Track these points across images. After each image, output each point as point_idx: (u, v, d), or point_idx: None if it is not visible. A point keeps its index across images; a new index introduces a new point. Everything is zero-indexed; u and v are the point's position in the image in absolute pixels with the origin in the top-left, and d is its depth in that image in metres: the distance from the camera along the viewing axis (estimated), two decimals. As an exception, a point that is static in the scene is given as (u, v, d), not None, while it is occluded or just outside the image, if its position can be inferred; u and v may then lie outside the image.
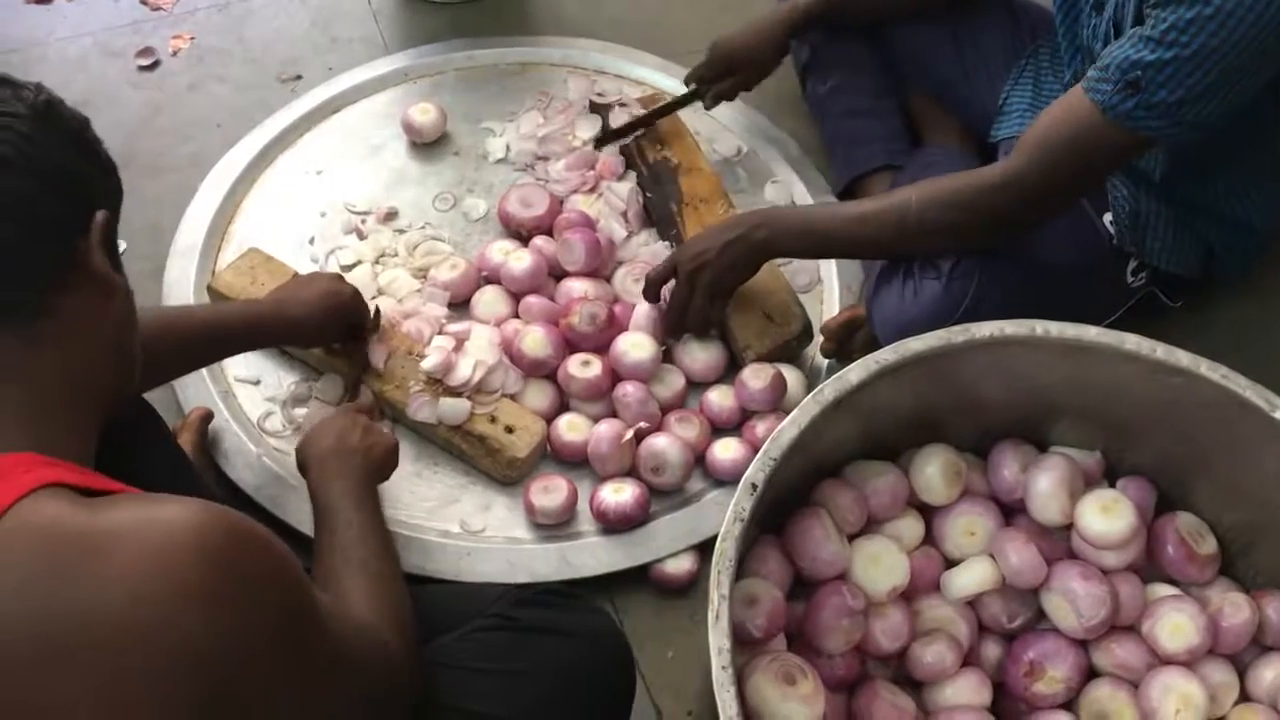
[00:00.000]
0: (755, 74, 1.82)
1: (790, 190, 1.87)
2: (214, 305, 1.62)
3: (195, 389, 1.57)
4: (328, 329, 1.48)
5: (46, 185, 0.80)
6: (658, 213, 1.78)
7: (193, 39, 2.08)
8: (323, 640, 0.82)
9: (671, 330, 1.61)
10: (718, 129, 1.94)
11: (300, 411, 1.57)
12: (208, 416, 1.55)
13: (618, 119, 1.86)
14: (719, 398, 1.59)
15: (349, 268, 1.72)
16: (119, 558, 0.69)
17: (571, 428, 1.55)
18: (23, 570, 0.70)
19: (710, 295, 1.54)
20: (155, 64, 2.05)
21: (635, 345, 1.58)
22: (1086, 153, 1.33)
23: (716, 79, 1.81)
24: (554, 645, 1.11)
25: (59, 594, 0.69)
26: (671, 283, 1.57)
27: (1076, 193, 1.42)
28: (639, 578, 1.49)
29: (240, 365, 1.61)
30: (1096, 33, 1.43)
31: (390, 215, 1.80)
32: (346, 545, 1.10)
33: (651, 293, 1.60)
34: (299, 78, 2.03)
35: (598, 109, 1.91)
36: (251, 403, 1.59)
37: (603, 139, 1.85)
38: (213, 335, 1.35)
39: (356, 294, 1.50)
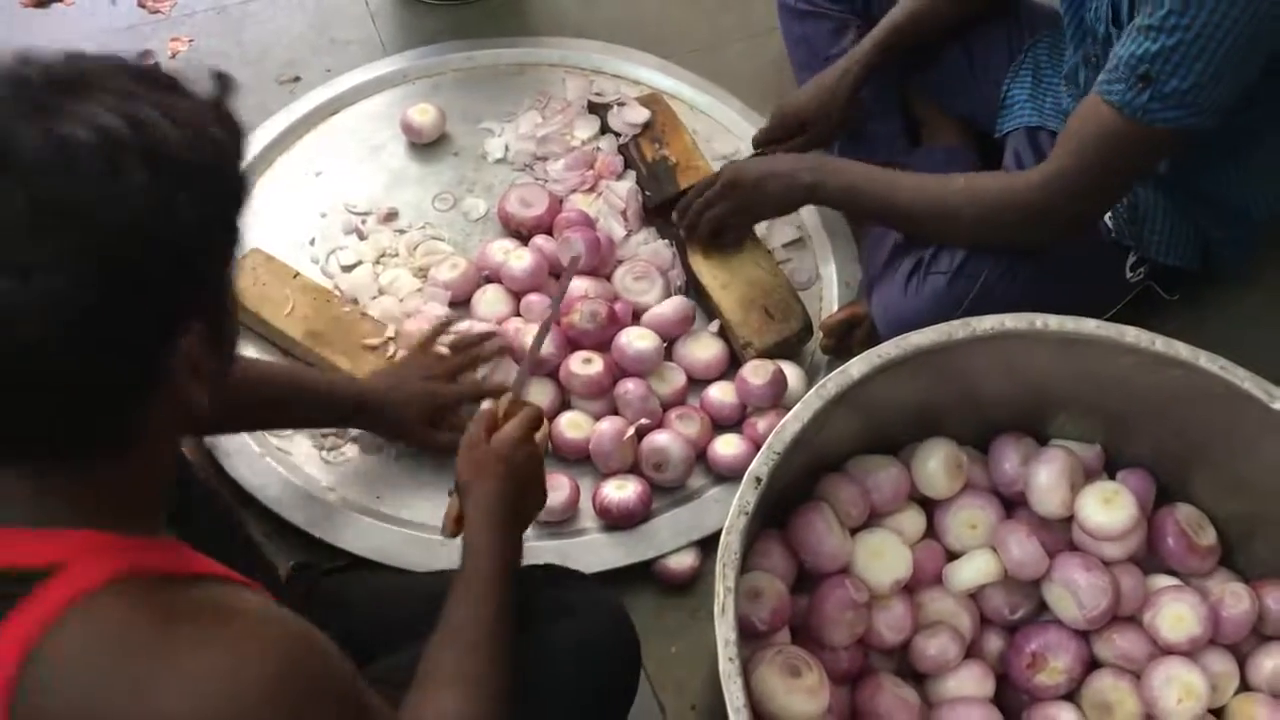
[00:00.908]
0: (826, 130, 1.77)
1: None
2: (327, 375, 1.56)
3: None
4: (416, 424, 1.46)
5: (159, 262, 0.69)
6: (656, 211, 1.78)
7: (191, 42, 2.08)
8: None
9: (680, 214, 1.67)
10: (716, 129, 1.95)
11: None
12: None
13: (615, 120, 1.87)
14: (720, 394, 1.60)
15: (350, 268, 1.72)
16: (188, 675, 0.68)
17: (573, 425, 1.56)
18: (86, 677, 0.68)
19: (735, 210, 1.60)
20: (154, 68, 2.04)
21: (639, 336, 1.59)
22: (1114, 155, 1.34)
23: (786, 139, 1.78)
24: (560, 624, 1.11)
25: (128, 704, 0.68)
26: None
27: (1112, 196, 1.45)
28: (642, 574, 1.50)
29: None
30: (1099, 13, 1.44)
31: (390, 216, 1.80)
32: (461, 650, 0.98)
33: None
34: (297, 79, 2.03)
35: (596, 109, 1.91)
36: (254, 403, 1.59)
37: (661, 205, 1.77)
38: (330, 401, 1.37)
39: (458, 395, 1.48)
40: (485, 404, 1.23)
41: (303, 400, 1.36)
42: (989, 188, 1.45)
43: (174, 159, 0.69)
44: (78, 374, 0.69)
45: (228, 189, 0.75)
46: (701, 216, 1.63)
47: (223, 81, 0.76)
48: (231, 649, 0.70)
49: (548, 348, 1.57)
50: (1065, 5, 1.55)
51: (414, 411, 1.44)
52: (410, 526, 1.49)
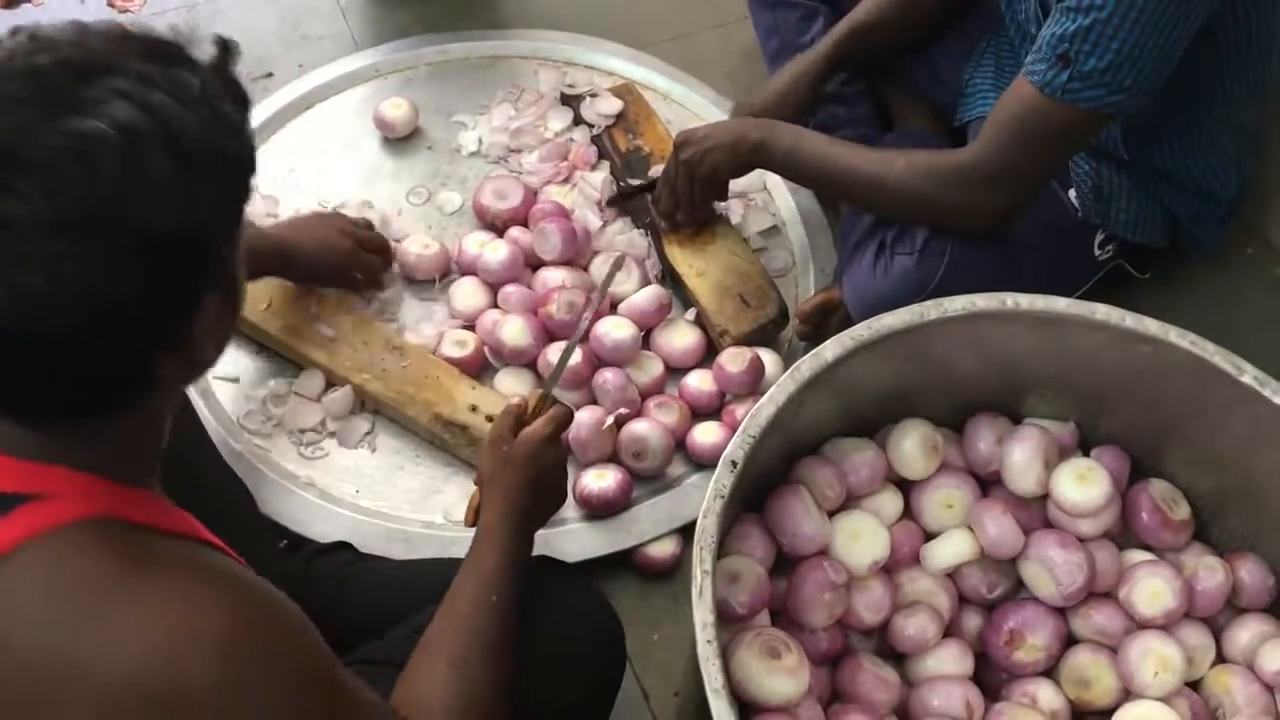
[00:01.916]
0: None
1: (764, 178, 1.88)
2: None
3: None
4: (328, 271, 1.57)
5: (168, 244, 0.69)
6: (629, 202, 1.78)
7: (162, 40, 2.07)
8: None
9: (664, 214, 1.68)
10: (689, 118, 1.95)
11: (279, 408, 1.57)
12: None
13: (588, 111, 1.87)
14: (698, 382, 1.61)
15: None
16: (149, 620, 0.69)
17: (552, 416, 1.56)
18: (47, 602, 0.69)
19: (699, 183, 1.60)
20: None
21: (616, 325, 1.59)
22: (1037, 136, 1.36)
23: None
24: (545, 615, 1.11)
25: (74, 637, 0.68)
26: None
27: (1040, 177, 1.44)
28: (623, 562, 1.51)
29: (220, 362, 1.61)
30: (1028, 14, 1.46)
31: (365, 210, 1.79)
32: (463, 634, 1.00)
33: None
34: (270, 76, 2.02)
35: (569, 100, 1.91)
36: (231, 400, 1.59)
37: (615, 199, 1.78)
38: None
39: (366, 245, 1.60)
40: (514, 399, 1.23)
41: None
42: (923, 164, 1.46)
43: (194, 146, 0.69)
44: (104, 353, 0.70)
45: (242, 163, 0.75)
46: (678, 201, 1.64)
47: (226, 47, 0.76)
48: (188, 602, 0.70)
49: (526, 338, 1.58)
50: (1004, 8, 1.57)
51: (324, 257, 1.54)
52: (389, 520, 1.50)
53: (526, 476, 1.12)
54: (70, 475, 0.74)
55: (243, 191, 0.76)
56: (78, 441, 0.75)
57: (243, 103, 0.76)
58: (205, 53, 0.75)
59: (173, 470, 0.85)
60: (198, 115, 0.70)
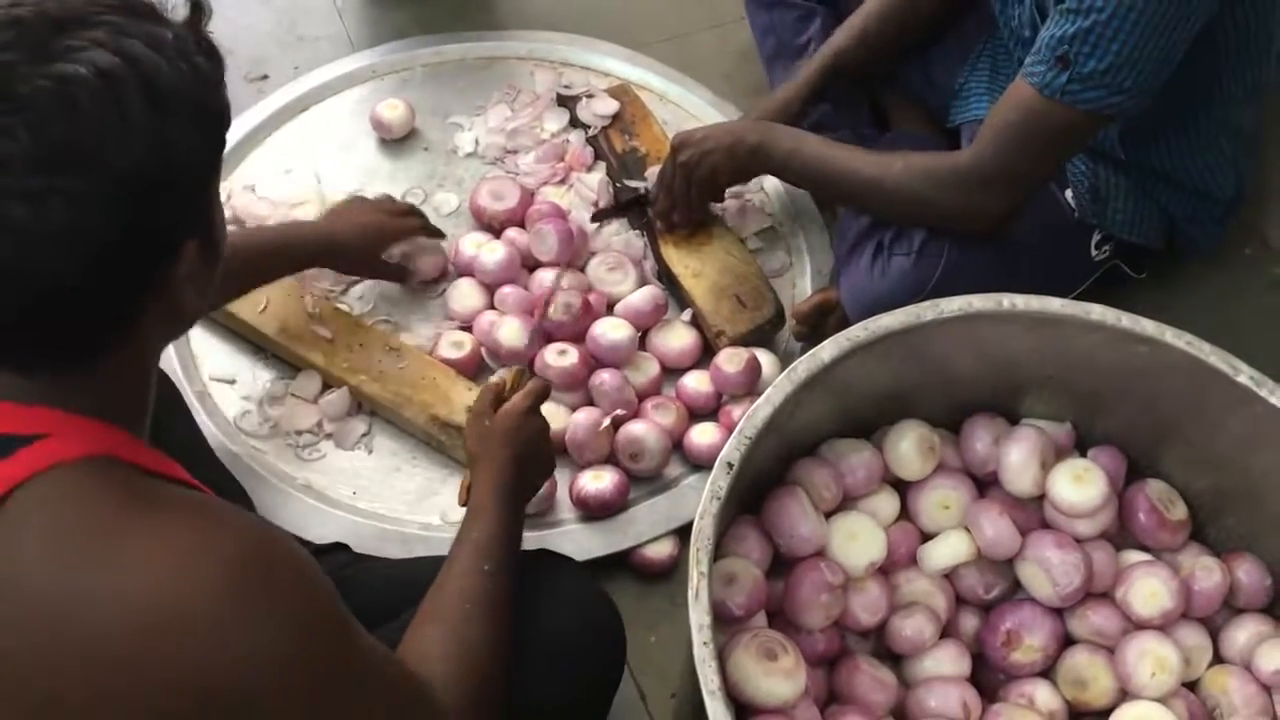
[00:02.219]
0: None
1: (761, 181, 1.87)
2: (250, 229, 1.68)
3: (171, 389, 1.57)
4: (372, 250, 1.59)
5: (144, 184, 0.73)
6: (620, 214, 1.78)
7: (157, 41, 2.07)
8: (353, 690, 0.80)
9: (661, 215, 1.68)
10: (685, 118, 1.95)
11: (276, 410, 1.57)
12: None
13: (584, 112, 1.87)
14: (695, 383, 1.61)
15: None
16: (153, 553, 0.70)
17: (550, 417, 1.55)
18: (52, 540, 0.70)
19: (696, 185, 1.61)
20: None
21: (613, 326, 1.59)
22: (1036, 137, 1.36)
23: None
24: (546, 608, 1.12)
25: (80, 570, 0.69)
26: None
27: (1038, 179, 1.44)
28: (620, 564, 1.51)
29: (215, 364, 1.62)
30: (1022, 20, 1.46)
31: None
32: (458, 596, 1.02)
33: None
34: (266, 77, 2.02)
35: (565, 101, 1.91)
36: (227, 402, 1.59)
37: (604, 213, 1.78)
38: (246, 262, 1.38)
39: (404, 210, 1.64)
40: (494, 376, 1.26)
41: (266, 261, 1.46)
42: (921, 166, 1.46)
43: (168, 91, 0.73)
44: (87, 292, 0.73)
45: (216, 113, 0.79)
46: (675, 203, 1.63)
47: (197, 6, 0.80)
48: (197, 533, 0.71)
49: (523, 339, 1.58)
50: (998, 13, 1.56)
51: (364, 242, 1.55)
52: (386, 521, 1.50)
53: (510, 450, 1.17)
54: (67, 417, 0.76)
55: (217, 140, 0.80)
56: (70, 384, 0.77)
57: (215, 58, 0.79)
58: (178, 13, 0.79)
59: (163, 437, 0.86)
60: (171, 64, 0.74)
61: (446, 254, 1.70)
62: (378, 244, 1.59)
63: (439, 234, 1.69)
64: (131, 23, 0.73)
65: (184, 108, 0.74)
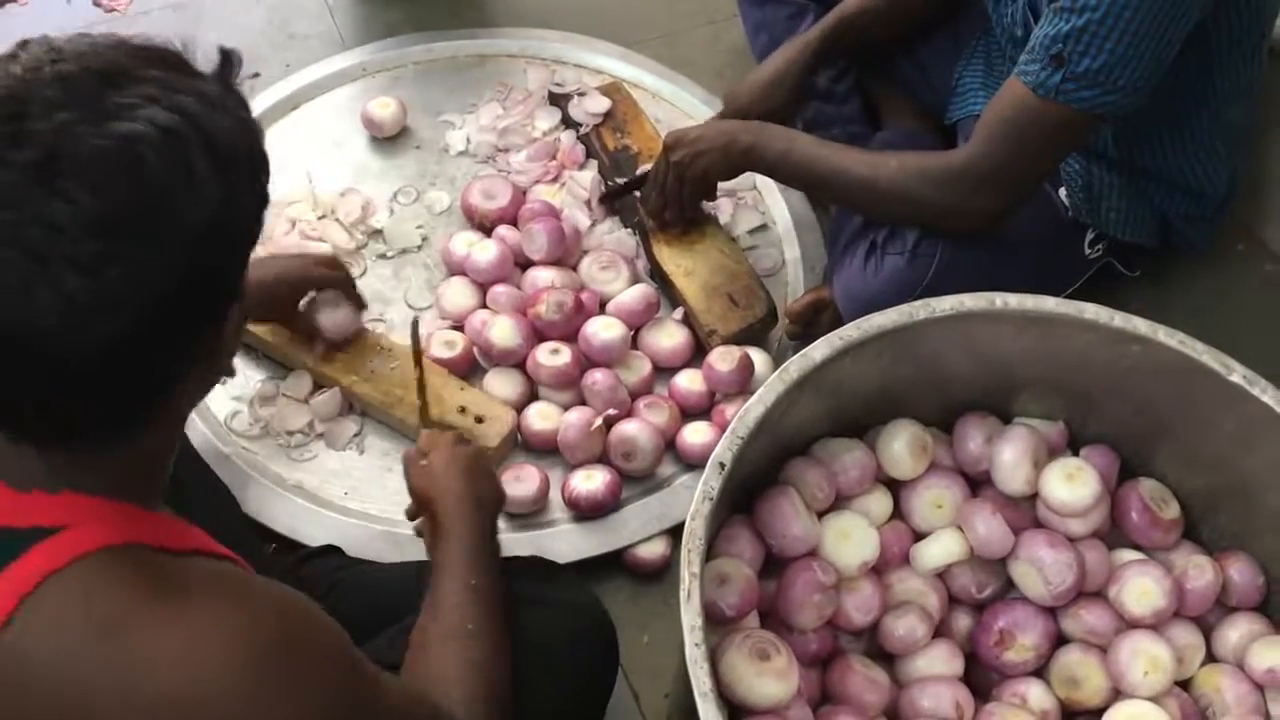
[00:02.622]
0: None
1: (753, 176, 1.87)
2: None
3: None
4: (281, 300, 1.48)
5: (192, 262, 0.69)
6: (619, 200, 1.78)
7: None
8: None
9: (652, 213, 1.67)
10: (678, 116, 1.95)
11: (267, 410, 1.56)
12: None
13: (576, 110, 1.86)
14: (687, 382, 1.60)
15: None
16: (176, 644, 0.69)
17: (542, 416, 1.56)
18: (74, 632, 0.69)
19: (689, 184, 1.60)
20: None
21: (605, 326, 1.59)
22: (1030, 137, 1.36)
23: None
24: (539, 616, 1.11)
25: (104, 665, 0.68)
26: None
27: (1032, 178, 1.44)
28: (613, 564, 1.50)
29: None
30: (1015, 19, 1.46)
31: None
32: (453, 616, 1.03)
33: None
34: (256, 75, 2.01)
35: (556, 100, 1.91)
36: (218, 401, 1.58)
37: (606, 196, 1.78)
38: None
39: (311, 275, 1.50)
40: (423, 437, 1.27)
41: None
42: (914, 166, 1.46)
43: (226, 145, 0.71)
44: (143, 361, 0.70)
45: (264, 168, 0.77)
46: (667, 201, 1.63)
47: (228, 59, 0.77)
48: (216, 620, 0.71)
49: (515, 339, 1.57)
50: (991, 11, 1.56)
51: (266, 288, 1.44)
52: (377, 522, 1.49)
53: (459, 474, 1.16)
54: (90, 503, 0.74)
55: (265, 192, 0.77)
56: (87, 463, 0.74)
57: (249, 109, 0.77)
58: (208, 61, 0.76)
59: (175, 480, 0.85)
60: (223, 118, 0.71)
61: (360, 319, 1.56)
62: (283, 293, 1.47)
63: (357, 298, 1.55)
64: (176, 78, 0.71)
65: (240, 161, 0.72)
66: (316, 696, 0.74)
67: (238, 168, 0.72)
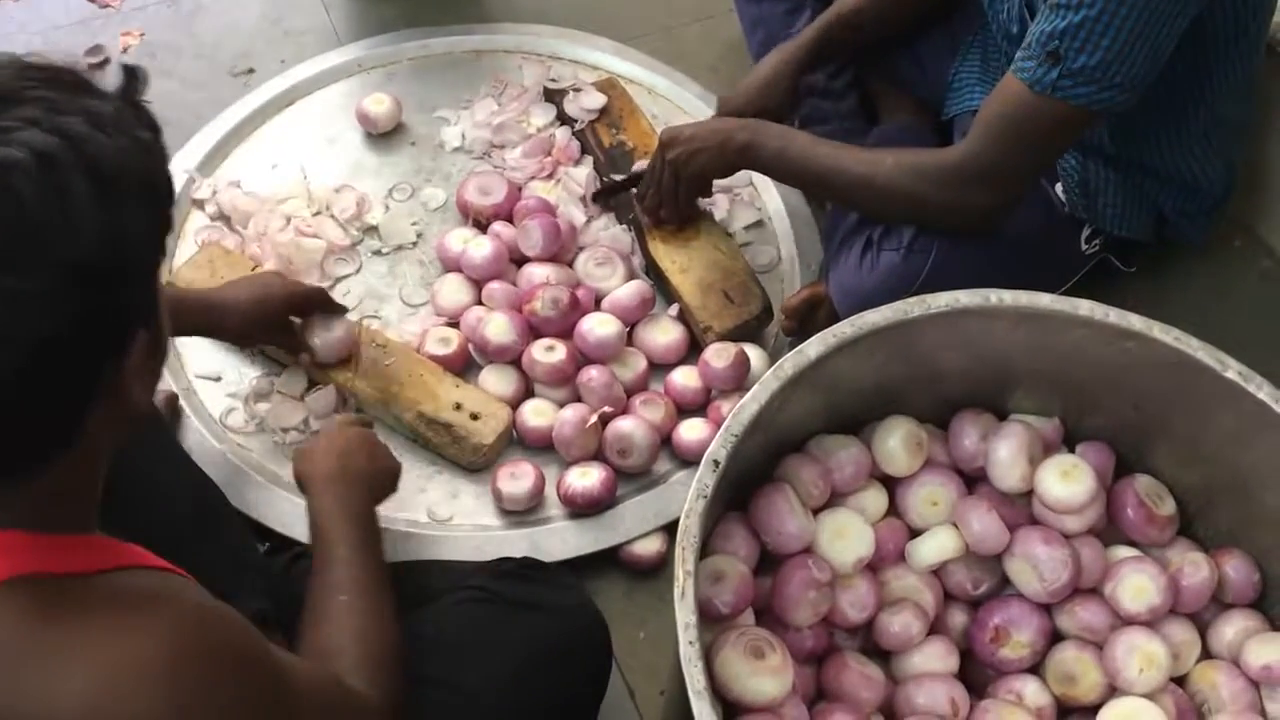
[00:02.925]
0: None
1: (751, 175, 1.87)
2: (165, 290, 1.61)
3: (155, 387, 1.56)
4: (257, 327, 1.45)
5: (86, 278, 0.66)
6: (615, 197, 1.77)
7: (142, 35, 2.06)
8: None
9: (648, 211, 1.67)
10: (674, 112, 1.95)
11: (262, 407, 1.56)
12: (173, 400, 1.54)
13: (571, 106, 1.86)
14: (683, 379, 1.60)
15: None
16: (79, 676, 0.67)
17: (537, 413, 1.55)
18: None
19: (685, 183, 1.59)
20: (105, 62, 2.02)
21: (600, 322, 1.59)
22: (1027, 133, 1.35)
23: None
24: (534, 619, 1.11)
25: (9, 705, 0.67)
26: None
27: (1028, 174, 1.44)
28: (609, 560, 1.50)
29: (201, 361, 1.61)
30: (1011, 15, 1.45)
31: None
32: (337, 582, 1.06)
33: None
34: (251, 71, 2.01)
35: (552, 95, 1.90)
36: (213, 399, 1.58)
37: (600, 193, 1.78)
38: (172, 317, 1.32)
39: (292, 294, 1.47)
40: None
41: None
42: (911, 163, 1.45)
43: (112, 169, 0.67)
44: (35, 398, 0.67)
45: (164, 189, 0.73)
46: (663, 199, 1.63)
47: (133, 75, 0.73)
48: (124, 639, 0.69)
49: (510, 335, 1.57)
50: (987, 7, 1.56)
51: (248, 308, 1.42)
52: (373, 519, 1.49)
53: (328, 453, 1.21)
54: (8, 537, 0.72)
55: (164, 218, 0.73)
56: (12, 503, 0.72)
57: (154, 129, 0.73)
58: (112, 81, 0.73)
59: (128, 492, 0.84)
60: (113, 139, 0.68)
61: (352, 336, 1.55)
62: (265, 312, 1.44)
63: (340, 309, 1.54)
64: (65, 98, 0.67)
65: (129, 185, 0.68)
66: (241, 701, 0.73)
67: (126, 192, 0.68)
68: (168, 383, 1.56)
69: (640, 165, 1.74)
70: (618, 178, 1.76)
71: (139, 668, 0.68)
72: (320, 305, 1.51)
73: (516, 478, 1.50)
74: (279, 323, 1.47)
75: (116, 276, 0.68)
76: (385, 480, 1.26)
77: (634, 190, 1.71)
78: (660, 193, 1.62)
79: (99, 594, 0.73)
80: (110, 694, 0.67)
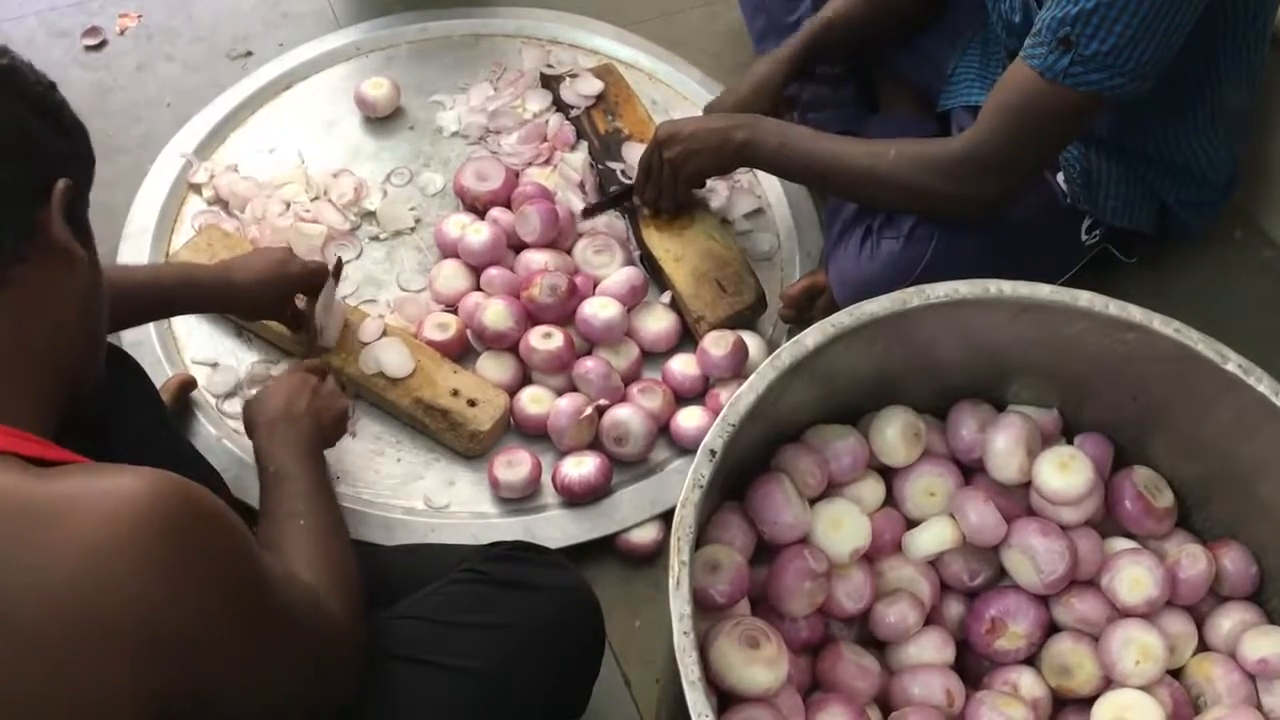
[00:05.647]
0: None
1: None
2: (154, 265, 1.62)
3: (151, 371, 1.55)
4: (270, 301, 1.46)
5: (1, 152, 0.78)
6: (610, 183, 1.76)
7: (140, 17, 2.05)
8: (272, 606, 0.82)
9: (646, 202, 1.66)
10: (675, 98, 1.94)
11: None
12: (189, 383, 1.55)
13: (568, 91, 1.85)
14: (682, 367, 1.60)
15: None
16: (69, 527, 0.69)
17: (534, 401, 1.55)
18: None
19: (683, 181, 1.59)
20: (103, 43, 2.01)
21: (603, 305, 1.58)
22: (1036, 120, 1.34)
23: None
24: (526, 600, 1.11)
25: (6, 564, 0.68)
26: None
27: (1036, 163, 1.43)
28: (605, 548, 1.50)
29: (198, 347, 1.60)
30: (1013, 4, 1.44)
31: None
32: (292, 510, 1.09)
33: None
34: (249, 54, 2.00)
35: (548, 81, 1.89)
36: (209, 384, 1.57)
37: (595, 208, 1.75)
38: (148, 295, 1.32)
39: (307, 269, 1.47)
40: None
41: (166, 297, 1.37)
42: (914, 154, 1.44)
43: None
44: None
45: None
46: (660, 193, 1.62)
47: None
48: (117, 502, 0.70)
49: (508, 321, 1.56)
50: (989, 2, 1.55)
51: (261, 289, 1.43)
52: (370, 506, 1.49)
53: (273, 399, 1.26)
54: None
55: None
56: None
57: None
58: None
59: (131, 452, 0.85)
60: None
61: (339, 308, 1.56)
62: (276, 291, 1.45)
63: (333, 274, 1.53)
64: None
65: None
66: (218, 575, 0.74)
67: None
68: (164, 370, 1.56)
69: (631, 162, 1.72)
70: (613, 190, 1.74)
71: (126, 516, 0.69)
72: (318, 279, 1.51)
73: (513, 465, 1.50)
74: (279, 300, 1.48)
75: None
76: (331, 420, 1.29)
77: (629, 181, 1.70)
78: (657, 186, 1.62)
79: (75, 468, 0.75)
80: (88, 576, 0.68)
